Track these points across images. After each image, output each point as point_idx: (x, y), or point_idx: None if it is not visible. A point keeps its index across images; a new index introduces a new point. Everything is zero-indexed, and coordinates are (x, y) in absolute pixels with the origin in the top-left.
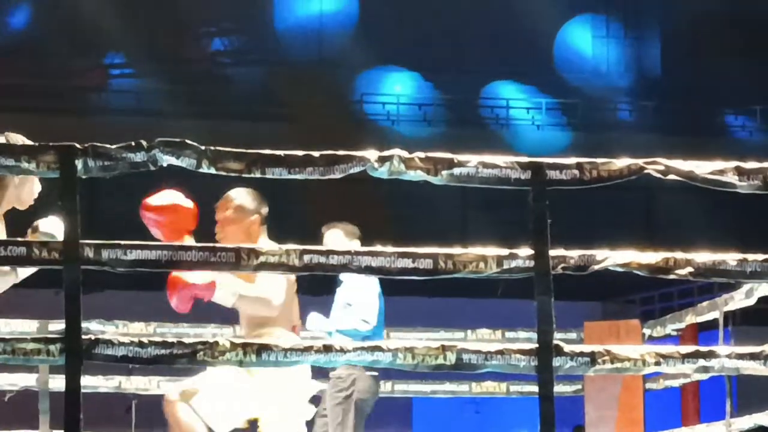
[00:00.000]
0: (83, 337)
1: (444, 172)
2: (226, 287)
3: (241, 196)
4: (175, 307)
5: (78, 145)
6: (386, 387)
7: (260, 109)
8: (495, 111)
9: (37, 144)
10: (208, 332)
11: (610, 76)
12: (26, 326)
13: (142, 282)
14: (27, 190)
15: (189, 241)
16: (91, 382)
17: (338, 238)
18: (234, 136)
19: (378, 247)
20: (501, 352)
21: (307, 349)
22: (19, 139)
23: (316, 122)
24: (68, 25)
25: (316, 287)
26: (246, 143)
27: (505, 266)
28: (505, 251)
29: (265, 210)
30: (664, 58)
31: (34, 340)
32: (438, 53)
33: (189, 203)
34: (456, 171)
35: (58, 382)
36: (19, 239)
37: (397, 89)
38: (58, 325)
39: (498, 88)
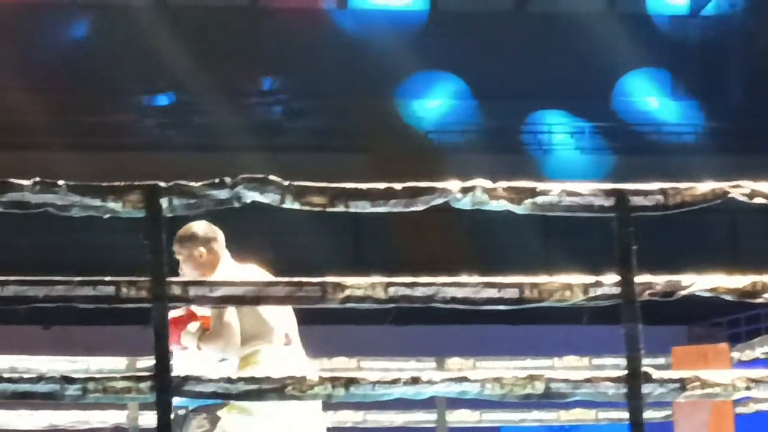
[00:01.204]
0: (173, 374)
1: (527, 201)
2: (190, 331)
3: (185, 233)
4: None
5: (163, 184)
6: (474, 416)
7: (331, 141)
8: (537, 137)
9: (122, 184)
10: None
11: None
12: (115, 363)
13: None
14: None
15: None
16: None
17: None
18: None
19: (463, 278)
20: (589, 380)
21: (395, 381)
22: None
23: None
24: (140, 61)
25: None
26: (316, 176)
27: (591, 294)
28: (590, 279)
29: (216, 236)
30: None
31: (124, 378)
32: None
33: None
34: (539, 200)
35: (147, 419)
36: (107, 279)
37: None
38: (146, 362)
39: (542, 115)
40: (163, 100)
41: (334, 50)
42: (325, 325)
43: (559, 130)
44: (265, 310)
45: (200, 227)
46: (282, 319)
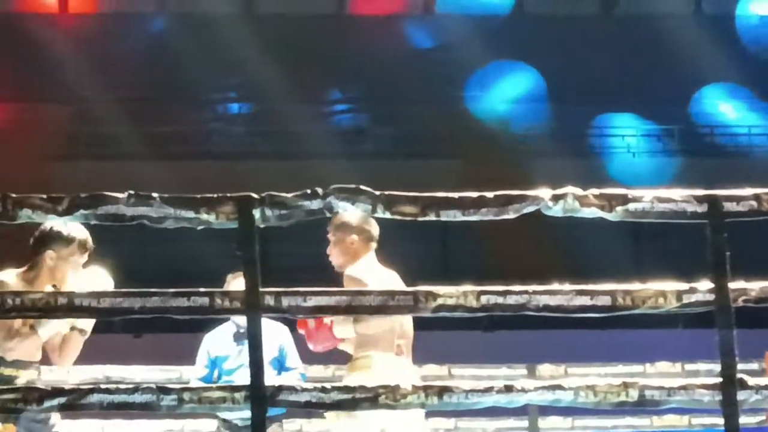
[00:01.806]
0: (267, 384)
1: (619, 208)
2: (342, 322)
3: (346, 217)
4: (316, 348)
5: (255, 195)
6: (566, 423)
7: (415, 148)
8: (606, 140)
9: (215, 195)
10: None
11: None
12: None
13: None
14: (60, 274)
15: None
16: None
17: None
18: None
19: (555, 286)
20: (684, 388)
21: (488, 390)
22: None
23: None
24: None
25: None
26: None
27: (685, 301)
28: (684, 286)
29: (372, 231)
30: None
31: (219, 388)
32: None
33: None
34: (631, 207)
35: None
36: (202, 290)
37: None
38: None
39: (612, 118)
40: (246, 108)
41: (418, 56)
42: (414, 332)
43: (628, 133)
44: (386, 319)
45: (357, 216)
46: (399, 330)
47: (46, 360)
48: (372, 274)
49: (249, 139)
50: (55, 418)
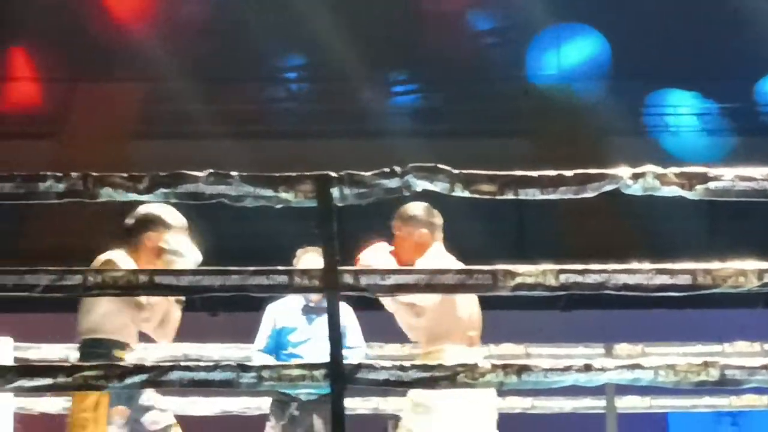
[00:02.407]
0: (346, 362)
1: (699, 187)
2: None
3: (408, 211)
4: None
5: (333, 174)
6: (644, 402)
7: (490, 125)
8: (660, 119)
9: (294, 174)
10: None
11: None
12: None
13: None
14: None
15: None
16: (349, 404)
17: (315, 261)
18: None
19: (635, 265)
20: (765, 367)
21: (567, 369)
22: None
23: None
24: (298, 47)
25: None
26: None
27: (766, 280)
28: (765, 265)
29: (437, 221)
30: None
31: (299, 366)
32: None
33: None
34: (712, 185)
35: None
36: (281, 268)
37: None
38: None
39: (664, 95)
40: (318, 87)
41: (490, 33)
42: (490, 311)
43: (684, 111)
44: (454, 309)
45: (422, 209)
46: (469, 321)
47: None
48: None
49: (322, 118)
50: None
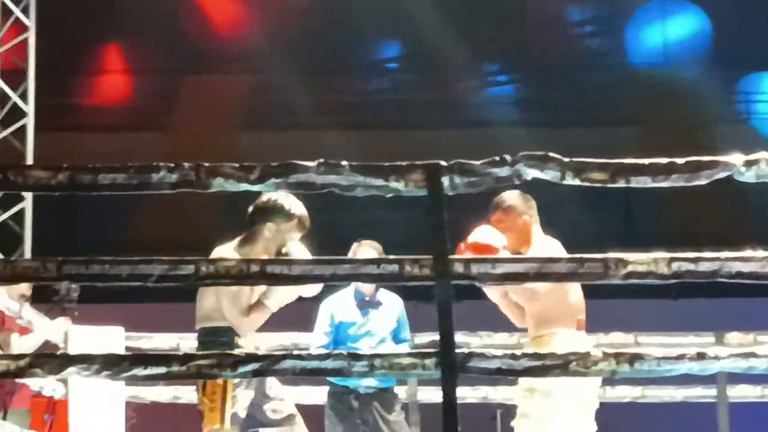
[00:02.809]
0: (457, 350)
1: None
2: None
3: (507, 201)
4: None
5: (444, 163)
6: (755, 391)
7: (606, 114)
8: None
9: (404, 163)
10: None
11: None
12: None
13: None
14: (276, 247)
15: None
16: (459, 393)
17: (372, 254)
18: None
19: (749, 252)
20: None
21: (680, 357)
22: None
23: (663, 125)
24: (414, 39)
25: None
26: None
27: None
28: None
29: (534, 206)
30: None
31: (410, 355)
32: None
33: (501, 242)
34: None
35: (425, 394)
36: (391, 257)
37: None
38: (422, 338)
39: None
40: (420, 76)
41: (594, 21)
42: (600, 300)
43: None
44: (565, 294)
45: (518, 197)
46: (579, 304)
47: None
48: (553, 248)
49: (423, 108)
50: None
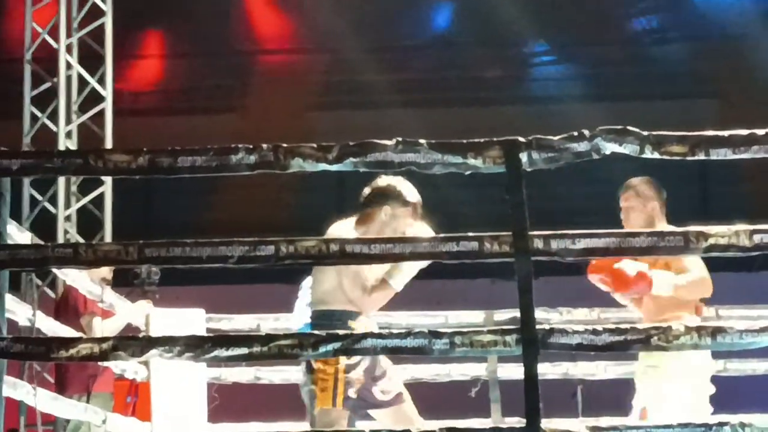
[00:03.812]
0: (538, 327)
1: None
2: (663, 281)
3: (641, 185)
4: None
5: (522, 139)
6: None
7: (683, 88)
8: None
9: (482, 140)
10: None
11: None
12: (471, 317)
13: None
14: (390, 231)
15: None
16: (539, 370)
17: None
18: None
19: None
20: None
21: (763, 330)
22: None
23: (743, 98)
24: (484, 15)
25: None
26: (671, 124)
27: None
28: None
29: (663, 196)
30: None
31: (490, 331)
32: None
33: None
34: None
35: (505, 371)
36: (471, 234)
37: None
38: (501, 315)
39: None
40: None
41: None
42: None
43: None
44: (707, 281)
45: (650, 182)
46: (708, 291)
47: None
48: None
49: (495, 84)
50: None
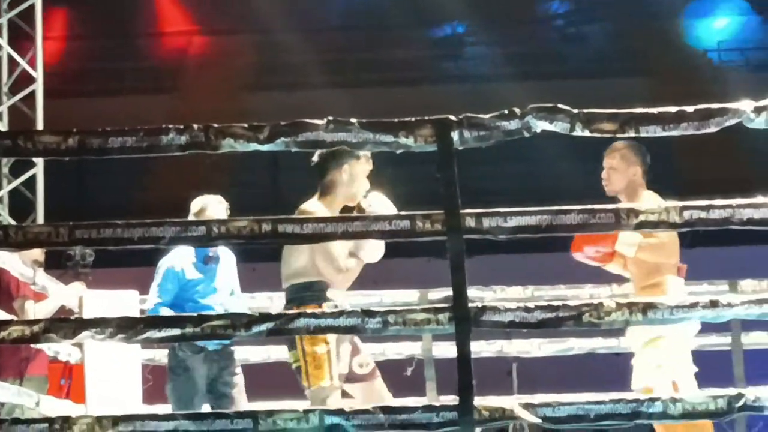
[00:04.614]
0: (470, 305)
1: None
2: (626, 238)
3: (625, 148)
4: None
5: (453, 117)
6: None
7: (613, 66)
8: None
9: (413, 119)
10: (585, 293)
11: None
12: (407, 296)
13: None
14: (356, 188)
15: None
16: (473, 348)
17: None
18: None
19: (760, 199)
20: None
21: (694, 305)
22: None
23: (672, 75)
24: None
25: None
26: (601, 102)
27: None
28: None
29: (647, 162)
30: None
31: (423, 310)
32: None
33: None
34: None
35: (440, 350)
36: (403, 213)
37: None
38: (436, 294)
39: None
40: (440, 32)
41: None
42: None
43: None
44: (670, 244)
45: (634, 146)
46: (678, 252)
47: None
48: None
49: (432, 64)
50: None
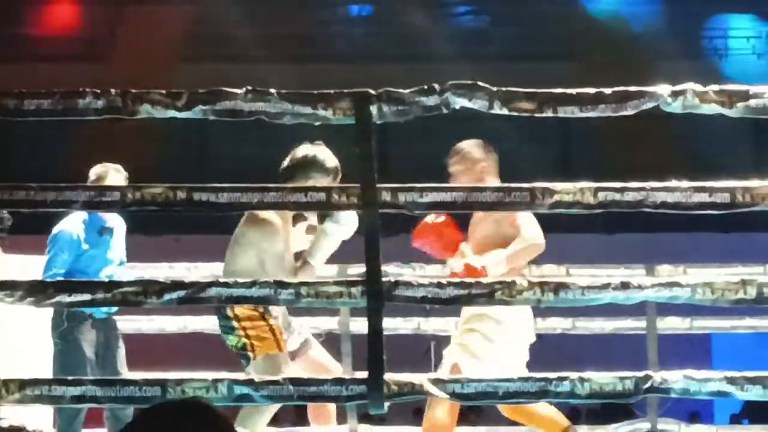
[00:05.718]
0: (383, 279)
1: (740, 105)
2: (494, 261)
3: (467, 147)
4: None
5: (372, 91)
6: (684, 323)
7: (546, 49)
8: (716, 41)
9: (332, 91)
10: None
11: None
12: (326, 270)
13: None
14: None
15: (465, 248)
16: (390, 324)
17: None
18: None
19: (673, 182)
20: None
21: (605, 286)
22: None
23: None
24: None
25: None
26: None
27: None
28: None
29: (494, 157)
30: None
31: (336, 283)
32: None
33: (440, 219)
34: (752, 103)
35: (359, 325)
36: (318, 185)
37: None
38: (355, 269)
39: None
40: (367, 10)
41: None
42: None
43: (738, 35)
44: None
45: (478, 144)
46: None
47: None
48: None
49: (370, 41)
50: None
